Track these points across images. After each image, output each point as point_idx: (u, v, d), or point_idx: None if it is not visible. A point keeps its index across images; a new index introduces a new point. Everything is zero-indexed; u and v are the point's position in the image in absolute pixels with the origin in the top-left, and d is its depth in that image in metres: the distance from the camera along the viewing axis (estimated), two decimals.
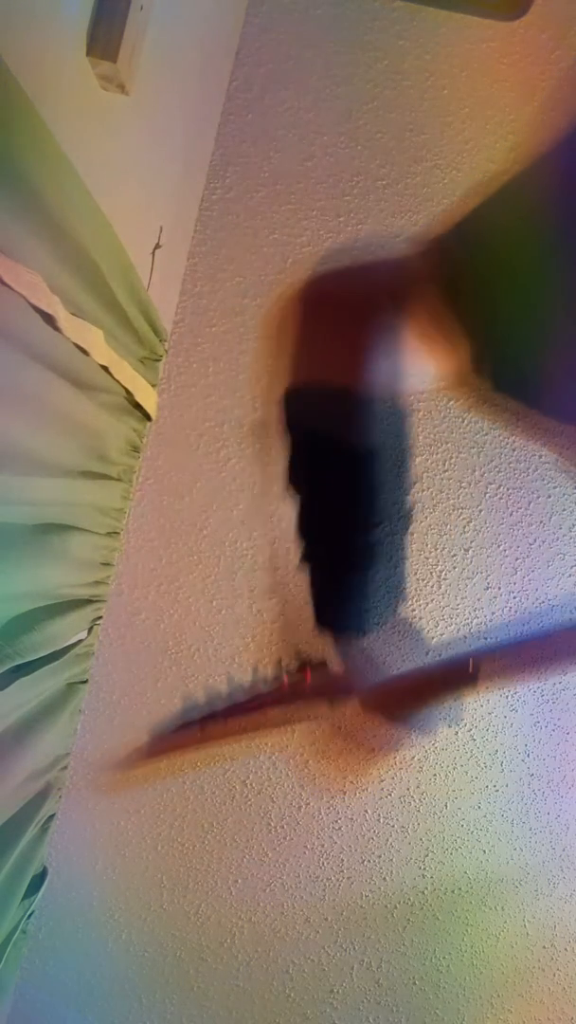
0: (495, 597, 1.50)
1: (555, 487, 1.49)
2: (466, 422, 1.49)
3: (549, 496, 1.49)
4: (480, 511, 1.50)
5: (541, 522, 1.49)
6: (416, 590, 1.51)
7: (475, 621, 1.50)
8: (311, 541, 0.91)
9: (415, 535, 1.49)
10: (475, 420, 1.49)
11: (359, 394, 0.74)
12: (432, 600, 1.51)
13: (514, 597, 1.50)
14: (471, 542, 1.51)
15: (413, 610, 1.51)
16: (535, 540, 1.49)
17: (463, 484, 1.50)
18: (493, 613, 1.50)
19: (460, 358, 0.69)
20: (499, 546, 1.50)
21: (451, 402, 1.48)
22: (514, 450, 1.49)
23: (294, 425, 0.81)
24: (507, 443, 1.49)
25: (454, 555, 1.51)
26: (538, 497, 1.49)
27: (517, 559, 1.49)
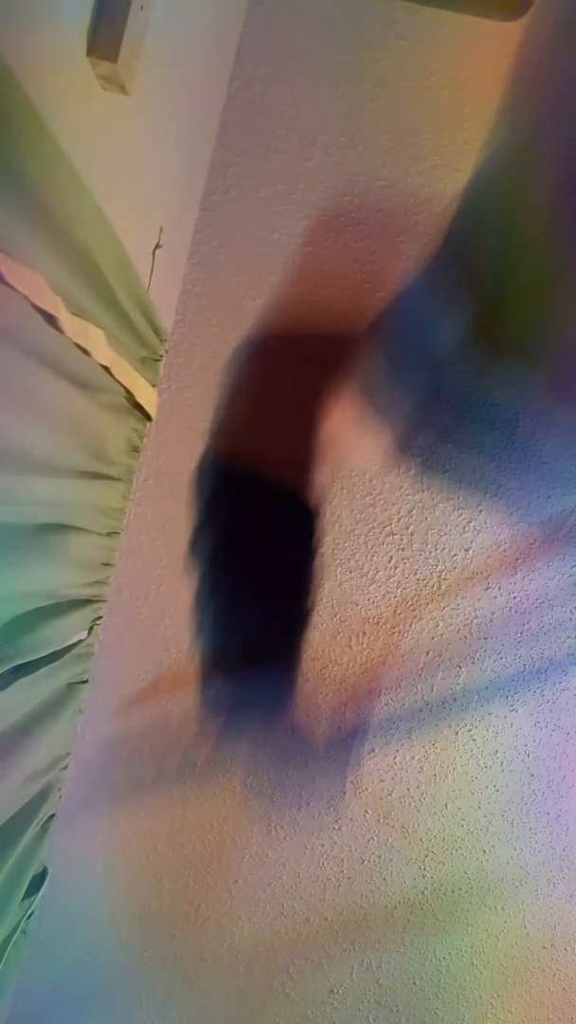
0: (495, 597, 1.50)
1: (555, 487, 1.49)
2: (466, 422, 1.49)
3: (549, 496, 1.49)
4: (480, 511, 1.50)
5: (541, 522, 1.49)
6: (416, 590, 1.51)
7: (475, 621, 1.50)
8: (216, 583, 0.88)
9: (415, 535, 1.49)
10: (475, 420, 1.49)
11: (298, 496, 0.74)
12: (432, 600, 1.51)
13: (514, 597, 1.50)
14: (471, 542, 1.51)
15: (413, 610, 1.51)
16: (535, 540, 1.49)
17: (463, 484, 1.50)
18: (493, 613, 1.50)
19: (387, 441, 0.69)
20: (499, 546, 1.50)
21: (449, 402, 1.48)
22: (514, 450, 1.49)
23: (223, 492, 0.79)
24: (507, 444, 1.49)
25: (454, 555, 1.51)
26: (538, 497, 1.49)
27: (517, 559, 1.49)
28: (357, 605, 1.53)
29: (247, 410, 0.74)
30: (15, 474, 0.94)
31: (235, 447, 0.73)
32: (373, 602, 1.53)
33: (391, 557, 1.51)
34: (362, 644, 1.53)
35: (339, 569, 1.52)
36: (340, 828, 1.55)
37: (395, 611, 1.52)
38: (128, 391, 1.29)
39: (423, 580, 1.51)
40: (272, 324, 0.71)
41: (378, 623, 1.53)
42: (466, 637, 1.50)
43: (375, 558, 1.51)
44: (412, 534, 1.49)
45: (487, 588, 1.50)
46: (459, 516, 1.50)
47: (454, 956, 1.54)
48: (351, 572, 1.53)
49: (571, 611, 1.48)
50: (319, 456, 0.70)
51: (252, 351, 0.72)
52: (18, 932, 1.42)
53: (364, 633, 1.53)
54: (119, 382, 1.22)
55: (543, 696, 1.48)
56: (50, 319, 0.89)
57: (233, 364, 0.72)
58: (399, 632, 1.51)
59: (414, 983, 1.56)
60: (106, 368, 1.14)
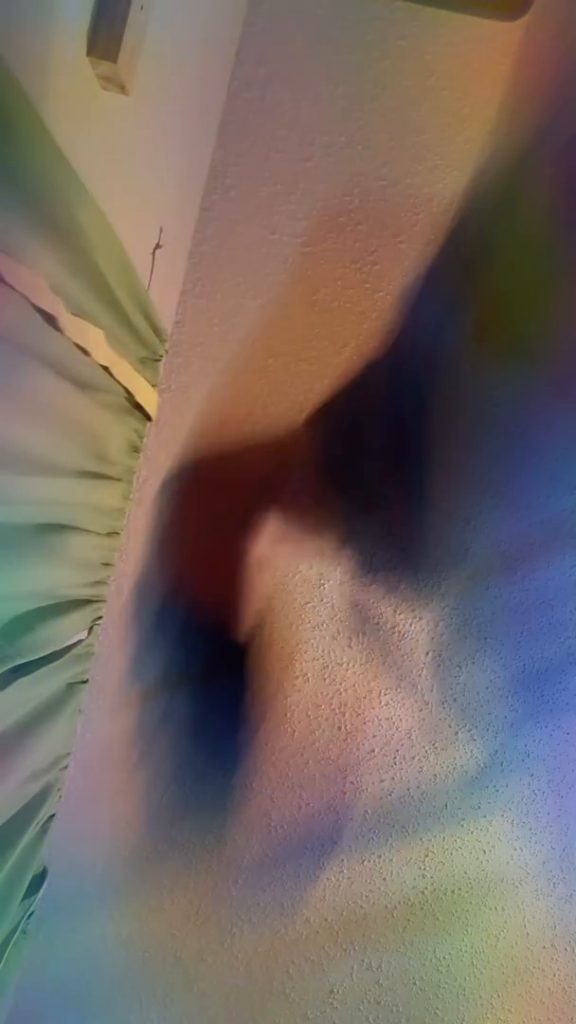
0: (495, 597, 1.50)
1: (556, 486, 1.48)
2: (466, 422, 1.49)
3: (549, 496, 1.49)
4: (480, 512, 1.50)
5: (541, 523, 1.49)
6: (417, 590, 1.51)
7: (475, 621, 1.50)
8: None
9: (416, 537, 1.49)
10: (475, 420, 1.49)
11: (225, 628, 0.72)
12: (432, 600, 1.51)
13: (514, 597, 1.50)
14: (471, 542, 1.51)
15: (414, 610, 1.51)
16: (535, 540, 1.49)
17: (463, 484, 1.50)
18: (493, 613, 1.50)
19: (326, 541, 0.68)
20: (499, 546, 1.50)
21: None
22: (514, 451, 1.49)
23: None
24: (507, 444, 1.49)
25: (454, 555, 1.51)
26: (538, 498, 1.49)
27: (517, 559, 1.49)
28: (356, 605, 1.53)
29: (177, 547, 0.73)
30: (15, 474, 0.94)
31: (168, 584, 0.72)
32: (373, 603, 1.53)
33: (391, 558, 1.51)
34: (362, 644, 1.53)
35: (339, 569, 1.52)
36: (340, 828, 1.55)
37: (395, 611, 1.52)
38: (128, 391, 1.29)
39: (423, 580, 1.51)
40: (194, 454, 0.70)
41: (378, 623, 1.53)
42: (466, 637, 1.50)
43: (374, 559, 1.51)
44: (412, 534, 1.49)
45: (487, 588, 1.50)
46: (459, 516, 1.50)
47: (454, 956, 1.54)
48: (351, 572, 1.53)
49: (571, 611, 1.48)
50: (250, 585, 0.69)
51: (176, 486, 0.71)
52: (18, 932, 1.42)
53: (364, 633, 1.53)
54: (119, 382, 1.22)
55: (543, 696, 1.48)
56: (50, 319, 0.89)
57: (160, 499, 0.71)
58: (399, 632, 1.51)
59: (414, 983, 1.56)
60: (106, 368, 1.14)
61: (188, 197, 1.50)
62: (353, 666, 1.53)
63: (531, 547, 1.49)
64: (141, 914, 1.61)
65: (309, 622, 1.53)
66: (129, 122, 1.08)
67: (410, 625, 1.51)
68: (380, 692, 1.53)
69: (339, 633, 1.53)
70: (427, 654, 1.50)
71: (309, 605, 1.52)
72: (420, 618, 1.51)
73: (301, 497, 0.66)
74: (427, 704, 1.51)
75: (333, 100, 1.51)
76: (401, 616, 1.51)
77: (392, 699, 1.53)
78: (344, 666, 1.53)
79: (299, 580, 1.52)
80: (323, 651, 1.53)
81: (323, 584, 1.51)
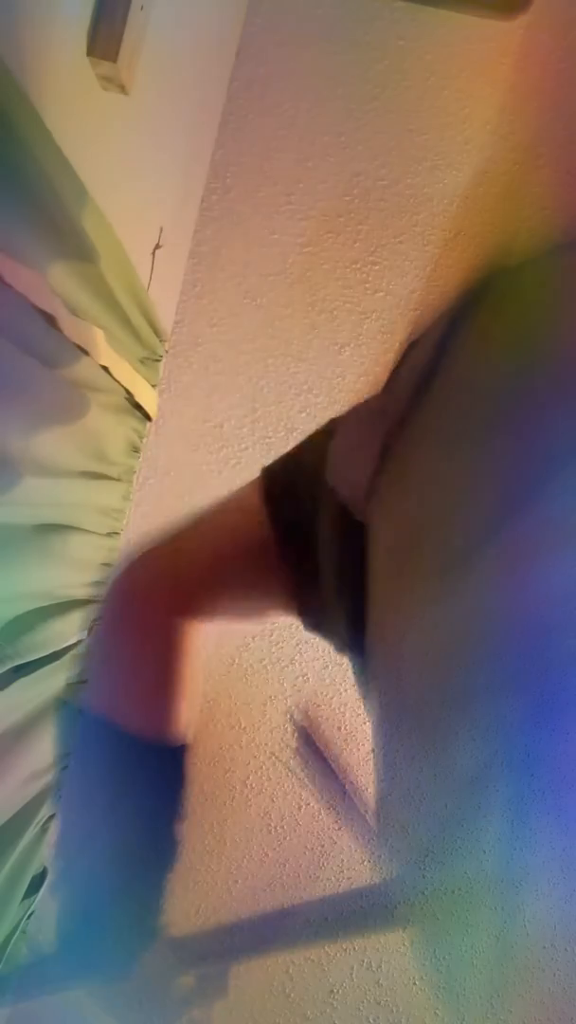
0: (495, 597, 1.50)
1: (556, 486, 1.48)
2: None
3: (549, 496, 1.49)
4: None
5: (541, 522, 1.49)
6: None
7: (475, 621, 1.50)
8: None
9: None
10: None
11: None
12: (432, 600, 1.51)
13: (515, 597, 1.49)
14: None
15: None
16: (536, 540, 1.49)
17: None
18: (493, 613, 1.50)
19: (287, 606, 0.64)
20: (499, 546, 1.50)
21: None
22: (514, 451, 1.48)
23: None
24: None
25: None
26: (538, 497, 1.49)
27: (517, 559, 1.49)
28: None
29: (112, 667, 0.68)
30: (15, 474, 0.94)
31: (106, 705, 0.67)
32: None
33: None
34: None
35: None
36: (340, 828, 1.55)
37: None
38: (128, 391, 1.29)
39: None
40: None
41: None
42: (466, 637, 1.50)
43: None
44: None
45: (487, 588, 1.50)
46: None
47: (454, 956, 1.53)
48: None
49: (571, 611, 1.48)
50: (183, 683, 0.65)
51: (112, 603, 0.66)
52: (18, 932, 1.42)
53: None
54: (119, 382, 1.22)
55: (543, 696, 1.48)
56: (50, 319, 0.89)
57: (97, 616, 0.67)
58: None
59: (414, 983, 1.56)
60: (105, 368, 1.14)
61: (188, 197, 1.50)
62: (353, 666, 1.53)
63: (531, 547, 1.49)
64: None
65: None
66: (129, 122, 1.08)
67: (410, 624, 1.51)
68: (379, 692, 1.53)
69: None
70: (427, 654, 1.50)
71: None
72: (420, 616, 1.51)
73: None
74: (427, 704, 1.51)
75: (333, 100, 1.51)
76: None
77: (392, 698, 1.53)
78: (344, 666, 1.53)
79: None
80: (323, 651, 1.53)
81: None
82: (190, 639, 0.64)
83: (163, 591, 0.64)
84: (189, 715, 0.66)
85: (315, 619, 0.63)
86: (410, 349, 0.47)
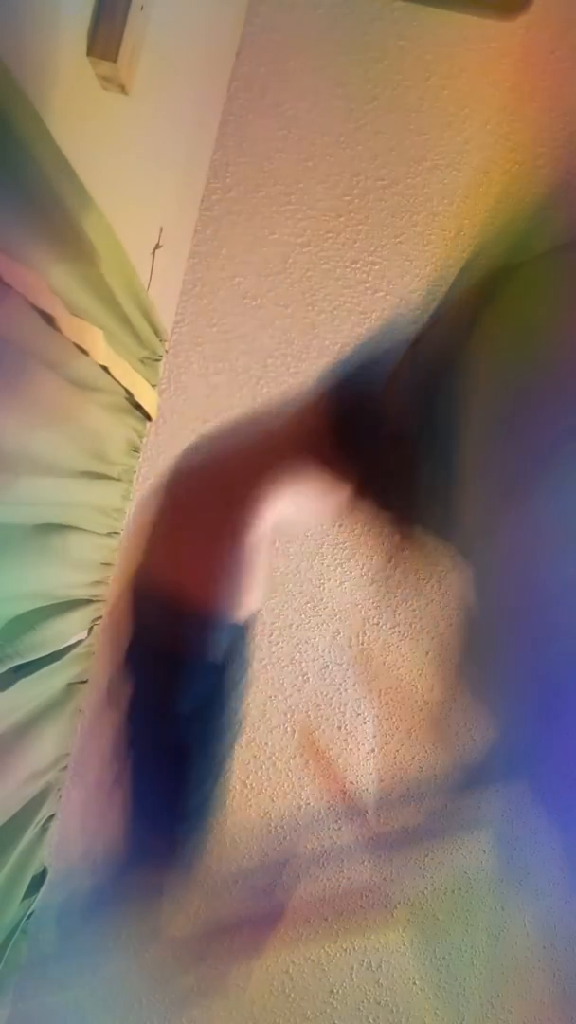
0: (495, 597, 1.50)
1: (556, 486, 1.48)
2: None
3: (549, 496, 1.49)
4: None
5: (541, 522, 1.49)
6: (417, 591, 1.51)
7: (475, 621, 1.50)
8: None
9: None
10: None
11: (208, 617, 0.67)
12: (432, 600, 1.51)
13: (515, 597, 1.49)
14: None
15: (414, 610, 1.51)
16: (536, 540, 1.49)
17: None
18: (493, 613, 1.50)
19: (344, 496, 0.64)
20: (499, 546, 1.50)
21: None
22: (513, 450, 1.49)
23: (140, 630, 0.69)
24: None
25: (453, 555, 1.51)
26: (539, 497, 1.49)
27: (517, 559, 1.49)
28: (357, 605, 1.53)
29: (165, 549, 0.67)
30: (15, 474, 0.94)
31: (153, 586, 0.66)
32: (373, 603, 1.53)
33: (391, 558, 1.51)
34: (362, 643, 1.53)
35: (339, 569, 1.52)
36: (340, 828, 1.55)
37: (395, 612, 1.52)
38: (128, 391, 1.29)
39: (424, 580, 1.51)
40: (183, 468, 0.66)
41: (377, 623, 1.53)
42: (466, 636, 1.50)
43: (376, 558, 1.51)
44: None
45: (487, 588, 1.50)
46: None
47: (454, 956, 1.54)
48: (351, 572, 1.53)
49: (571, 611, 1.48)
50: (246, 559, 0.64)
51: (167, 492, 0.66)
52: (18, 932, 1.42)
53: (364, 632, 1.53)
54: (119, 382, 1.22)
55: (543, 696, 1.48)
56: (49, 319, 0.89)
57: (150, 505, 0.66)
58: (399, 632, 1.51)
59: (414, 983, 1.56)
60: (105, 368, 1.14)
61: (188, 197, 1.50)
62: (353, 666, 1.53)
63: (532, 547, 1.49)
64: (141, 914, 1.61)
65: (309, 622, 1.53)
66: (129, 122, 1.08)
67: (410, 624, 1.51)
68: (380, 692, 1.53)
69: (339, 633, 1.53)
70: (427, 654, 1.50)
71: (309, 605, 1.52)
72: (422, 617, 1.51)
73: (308, 462, 0.63)
74: (427, 704, 1.51)
75: (333, 100, 1.51)
76: (401, 616, 1.51)
77: (392, 699, 1.53)
78: (344, 666, 1.53)
79: (299, 580, 1.52)
80: (323, 651, 1.53)
81: (323, 584, 1.51)
82: (250, 519, 0.63)
83: (219, 477, 0.64)
84: (255, 595, 0.65)
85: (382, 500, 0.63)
86: (411, 349, 0.47)
